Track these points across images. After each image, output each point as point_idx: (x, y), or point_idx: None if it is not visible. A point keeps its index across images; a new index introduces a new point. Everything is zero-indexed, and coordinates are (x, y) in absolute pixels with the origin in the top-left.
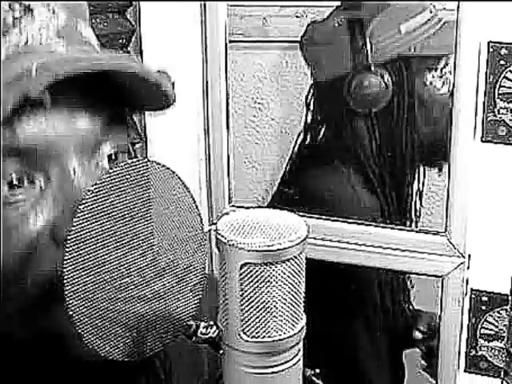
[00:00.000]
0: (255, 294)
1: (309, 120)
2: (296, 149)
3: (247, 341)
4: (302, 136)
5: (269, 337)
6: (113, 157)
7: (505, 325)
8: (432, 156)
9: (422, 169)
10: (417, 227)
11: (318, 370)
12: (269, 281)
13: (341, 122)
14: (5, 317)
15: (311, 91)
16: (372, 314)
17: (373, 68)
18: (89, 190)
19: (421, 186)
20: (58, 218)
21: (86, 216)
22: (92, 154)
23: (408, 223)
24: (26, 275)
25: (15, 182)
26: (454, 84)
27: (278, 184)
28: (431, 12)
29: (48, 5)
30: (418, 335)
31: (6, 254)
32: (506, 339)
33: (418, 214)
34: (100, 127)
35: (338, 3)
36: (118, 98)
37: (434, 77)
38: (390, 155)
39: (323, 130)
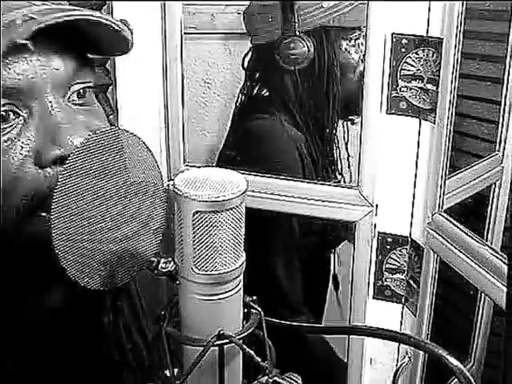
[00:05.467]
0: (205, 236)
1: (247, 78)
2: (237, 105)
3: (198, 274)
4: (241, 93)
5: (216, 270)
6: (81, 92)
7: (405, 261)
8: (346, 108)
9: (341, 122)
10: (341, 173)
11: (254, 297)
12: (216, 225)
13: (272, 77)
14: None
15: (249, 53)
16: (296, 249)
17: (298, 34)
18: (72, 153)
19: (344, 138)
20: (41, 144)
21: (69, 173)
22: (65, 91)
23: (331, 167)
24: (14, 192)
25: (3, 116)
26: (364, 66)
27: (222, 148)
28: None
29: None
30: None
31: None
32: (406, 272)
33: (341, 163)
34: (71, 69)
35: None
36: (86, 45)
37: (348, 45)
38: (312, 104)
39: (259, 85)
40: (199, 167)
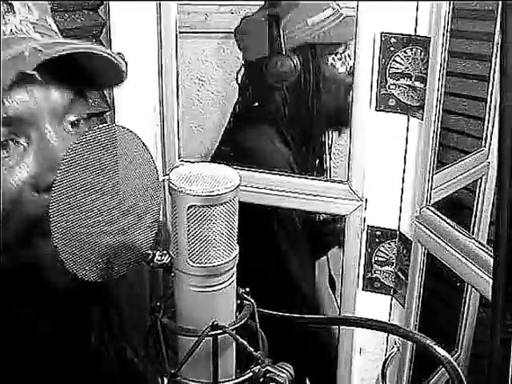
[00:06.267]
0: (199, 229)
1: (240, 93)
2: (231, 116)
3: (193, 266)
4: (236, 106)
5: (210, 263)
6: (76, 122)
7: (394, 253)
8: (332, 121)
9: (327, 131)
10: (329, 175)
11: (247, 289)
12: (210, 219)
13: (263, 93)
14: None
15: (242, 69)
16: (288, 241)
17: (284, 52)
18: (69, 148)
19: (328, 143)
20: (39, 171)
21: (67, 168)
22: (61, 121)
23: (319, 172)
24: (12, 217)
25: (4, 144)
26: (353, 65)
27: (218, 144)
28: (333, 9)
29: (25, 4)
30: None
31: None
32: (394, 265)
33: (328, 165)
34: (67, 100)
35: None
36: (81, 78)
37: (334, 59)
38: (300, 118)
39: (251, 99)
40: (193, 162)
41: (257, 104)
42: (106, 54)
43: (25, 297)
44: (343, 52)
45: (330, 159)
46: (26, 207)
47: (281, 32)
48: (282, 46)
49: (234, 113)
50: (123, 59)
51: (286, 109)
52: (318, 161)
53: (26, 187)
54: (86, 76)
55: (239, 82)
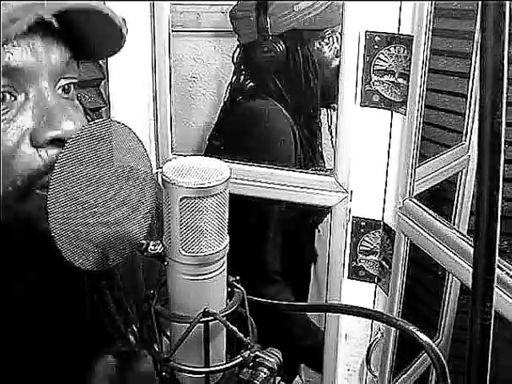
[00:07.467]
0: (191, 220)
1: (235, 72)
2: (226, 93)
3: (185, 255)
4: (230, 85)
5: (201, 252)
6: (66, 88)
7: (378, 243)
8: (325, 98)
9: (320, 111)
10: (323, 160)
11: (238, 277)
12: (201, 210)
13: (256, 74)
14: None
15: (237, 50)
16: (275, 231)
17: (271, 38)
18: (66, 142)
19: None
20: (36, 127)
21: (65, 161)
22: (55, 83)
23: (315, 158)
24: (11, 170)
25: (1, 97)
26: (340, 55)
27: (208, 138)
28: None
29: None
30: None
31: None
32: (378, 254)
33: (322, 153)
34: (65, 62)
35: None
36: (78, 43)
37: (320, 44)
38: (291, 99)
39: (245, 77)
40: (186, 156)
41: (251, 84)
42: (113, 17)
43: (20, 250)
44: (330, 36)
45: (332, 137)
46: (24, 162)
47: (268, 18)
48: (269, 31)
49: (230, 90)
50: (126, 24)
51: (277, 89)
52: (313, 142)
53: (23, 142)
54: (85, 42)
55: (234, 61)
